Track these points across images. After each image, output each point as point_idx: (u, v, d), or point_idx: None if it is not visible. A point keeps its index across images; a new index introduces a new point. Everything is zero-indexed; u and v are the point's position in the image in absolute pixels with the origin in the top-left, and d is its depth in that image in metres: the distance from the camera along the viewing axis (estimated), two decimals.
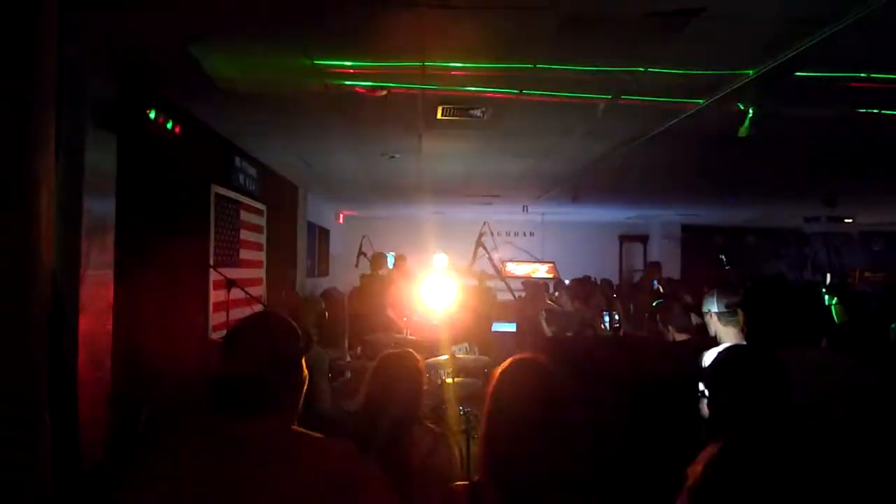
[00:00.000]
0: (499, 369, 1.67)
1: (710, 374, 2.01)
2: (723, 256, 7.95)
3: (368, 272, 8.07)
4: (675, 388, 2.93)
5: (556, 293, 7.02)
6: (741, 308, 2.80)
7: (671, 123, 4.67)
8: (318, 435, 1.57)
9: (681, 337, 4.01)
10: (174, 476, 1.45)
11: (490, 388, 1.64)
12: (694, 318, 4.57)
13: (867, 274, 13.70)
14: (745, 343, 3.48)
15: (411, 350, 2.55)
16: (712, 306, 3.50)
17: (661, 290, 6.44)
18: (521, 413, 1.55)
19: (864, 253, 13.78)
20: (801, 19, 2.83)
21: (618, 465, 2.28)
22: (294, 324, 1.65)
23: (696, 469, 1.16)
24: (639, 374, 2.55)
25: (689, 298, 6.14)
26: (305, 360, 1.61)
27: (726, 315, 3.47)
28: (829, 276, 7.88)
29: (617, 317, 5.24)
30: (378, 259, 8.00)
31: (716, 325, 3.54)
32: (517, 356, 1.69)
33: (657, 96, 4.13)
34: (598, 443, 1.83)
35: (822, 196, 8.42)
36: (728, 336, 3.51)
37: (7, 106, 2.13)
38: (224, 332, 4.92)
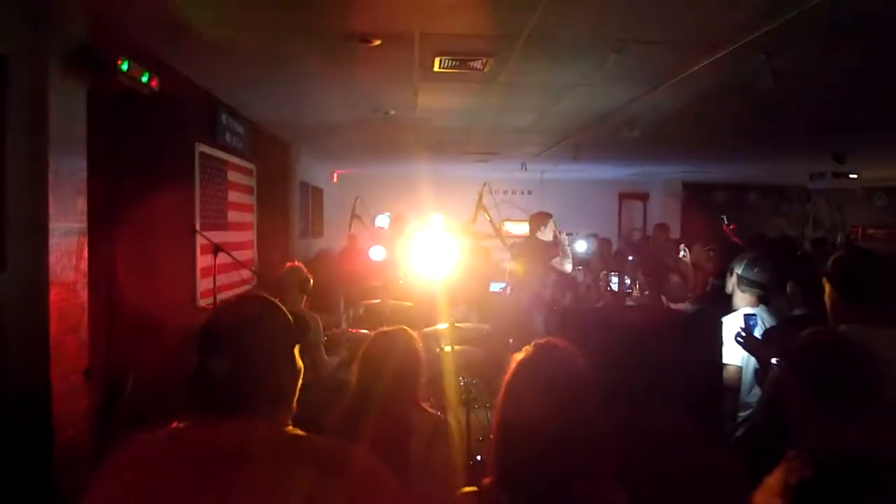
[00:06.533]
0: (516, 360, 1.43)
1: (797, 356, 1.74)
2: (723, 216, 7.81)
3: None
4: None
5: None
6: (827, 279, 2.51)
7: (680, 78, 4.40)
8: (306, 436, 1.34)
9: (676, 306, 4.03)
10: (144, 474, 1.26)
11: (506, 384, 1.40)
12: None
13: (870, 230, 13.52)
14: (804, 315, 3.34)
15: (405, 327, 2.32)
16: (739, 269, 3.49)
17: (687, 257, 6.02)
18: (541, 416, 1.31)
19: (866, 209, 13.56)
20: None
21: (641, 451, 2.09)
22: (284, 309, 1.40)
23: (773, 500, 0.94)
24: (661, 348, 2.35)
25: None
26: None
27: (746, 283, 3.44)
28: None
29: (628, 281, 5.04)
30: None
31: (734, 287, 3.52)
32: (538, 345, 1.45)
33: (665, 50, 3.86)
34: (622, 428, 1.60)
35: (831, 151, 8.15)
36: (742, 301, 3.47)
37: None
38: (211, 298, 4.74)
